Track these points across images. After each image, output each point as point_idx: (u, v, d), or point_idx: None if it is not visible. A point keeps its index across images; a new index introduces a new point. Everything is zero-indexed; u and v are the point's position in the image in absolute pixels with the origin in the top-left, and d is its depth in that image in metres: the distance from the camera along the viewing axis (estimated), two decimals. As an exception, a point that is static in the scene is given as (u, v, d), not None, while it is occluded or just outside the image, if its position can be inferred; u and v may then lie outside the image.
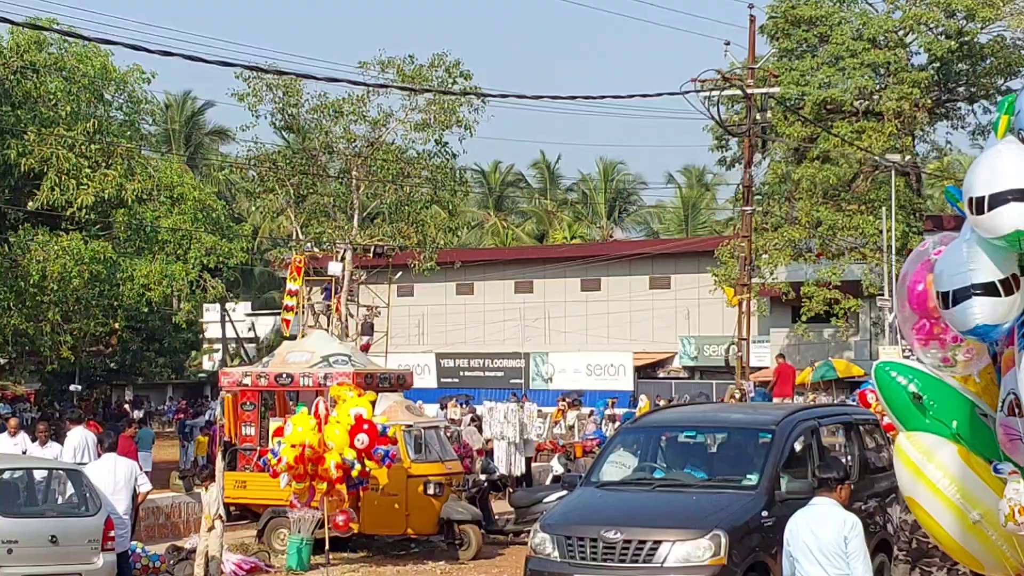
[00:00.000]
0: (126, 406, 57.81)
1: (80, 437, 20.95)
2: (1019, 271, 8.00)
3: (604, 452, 16.43)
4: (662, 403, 39.41)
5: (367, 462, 20.02)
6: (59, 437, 22.55)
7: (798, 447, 15.38)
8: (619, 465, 15.94)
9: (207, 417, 41.60)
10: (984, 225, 7.82)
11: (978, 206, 7.86)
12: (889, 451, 15.81)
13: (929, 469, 9.17)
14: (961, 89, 51.35)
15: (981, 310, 8.11)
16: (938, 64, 48.93)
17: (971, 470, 8.92)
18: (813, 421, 15.83)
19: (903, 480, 9.68)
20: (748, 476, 14.79)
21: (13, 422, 22.45)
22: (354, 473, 19.94)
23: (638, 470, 15.84)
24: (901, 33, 48.60)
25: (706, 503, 14.39)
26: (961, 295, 8.14)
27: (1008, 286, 8.05)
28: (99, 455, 19.09)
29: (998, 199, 7.89)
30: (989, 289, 8.09)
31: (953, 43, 47.35)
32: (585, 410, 42.00)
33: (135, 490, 17.89)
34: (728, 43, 46.89)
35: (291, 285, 35.95)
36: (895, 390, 9.67)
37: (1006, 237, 7.94)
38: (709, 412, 16.60)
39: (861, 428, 16.91)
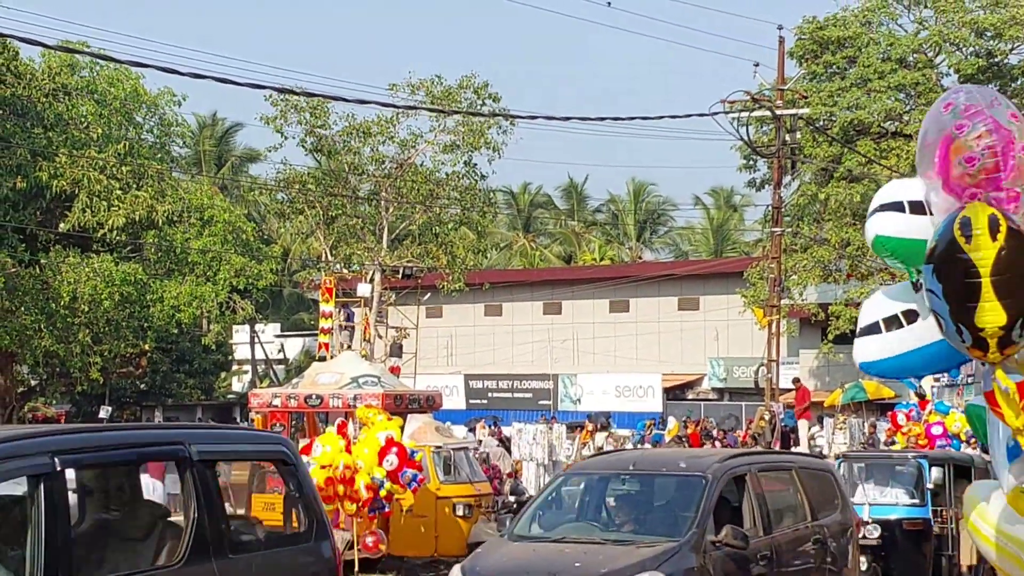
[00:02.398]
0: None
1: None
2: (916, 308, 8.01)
3: (533, 501, 15.77)
4: (690, 426, 39.38)
5: (393, 486, 19.98)
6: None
7: (730, 496, 14.46)
8: (545, 514, 15.28)
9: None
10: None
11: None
12: (839, 497, 16.07)
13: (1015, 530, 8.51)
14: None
15: (862, 350, 8.33)
16: (967, 83, 48.76)
17: None
18: (745, 467, 14.69)
19: (987, 554, 9.19)
20: (676, 527, 13.88)
21: None
22: (382, 493, 19.91)
23: (562, 520, 15.08)
24: (930, 53, 48.49)
25: (629, 556, 13.39)
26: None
27: (890, 323, 8.06)
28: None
29: (871, 213, 8.42)
30: (872, 328, 8.23)
31: (982, 62, 47.20)
32: (625, 431, 41.93)
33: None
34: (757, 65, 47.04)
35: (324, 307, 36.04)
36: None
37: (872, 244, 8.41)
38: (643, 458, 15.44)
39: (804, 474, 15.83)
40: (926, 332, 7.87)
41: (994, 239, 6.93)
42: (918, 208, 7.95)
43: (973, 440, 25.82)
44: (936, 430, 28.48)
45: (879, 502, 21.34)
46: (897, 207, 8.11)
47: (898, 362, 7.88)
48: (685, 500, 14.16)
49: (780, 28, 40.17)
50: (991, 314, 6.92)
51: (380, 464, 19.75)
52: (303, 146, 41.92)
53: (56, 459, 8.35)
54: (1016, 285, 6.85)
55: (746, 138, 39.78)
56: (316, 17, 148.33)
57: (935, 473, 21.11)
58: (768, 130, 44.82)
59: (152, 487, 18.28)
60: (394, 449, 19.90)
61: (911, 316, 7.96)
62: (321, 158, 44.91)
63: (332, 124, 40.83)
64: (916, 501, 21.06)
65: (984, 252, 6.91)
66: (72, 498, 9.14)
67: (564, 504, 15.74)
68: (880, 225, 8.25)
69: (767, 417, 36.00)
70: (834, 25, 48.69)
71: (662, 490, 15.01)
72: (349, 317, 39.74)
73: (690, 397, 58.32)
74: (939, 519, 21.16)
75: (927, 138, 8.03)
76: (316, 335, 45.88)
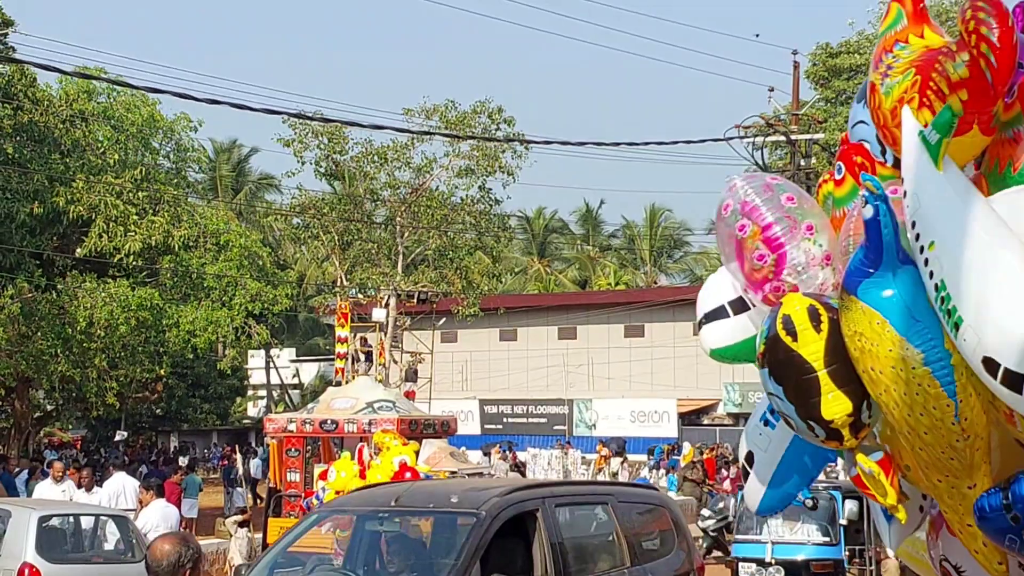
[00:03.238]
0: (160, 451, 58.06)
1: (119, 483, 21.08)
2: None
3: (278, 543, 13.88)
4: (706, 452, 39.32)
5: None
6: (103, 483, 22.67)
7: (515, 537, 12.36)
8: (286, 562, 13.49)
9: (250, 466, 41.72)
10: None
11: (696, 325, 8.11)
12: (675, 535, 13.90)
13: None
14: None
15: (710, 336, 8.22)
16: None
17: None
18: (536, 502, 12.31)
19: None
20: (437, 574, 11.96)
21: (58, 466, 22.50)
22: (397, 519, 19.90)
23: (307, 569, 13.33)
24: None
25: None
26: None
27: (736, 306, 8.06)
28: (139, 501, 19.22)
29: (699, 325, 8.27)
30: (719, 313, 8.16)
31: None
32: (641, 456, 41.90)
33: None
34: (772, 89, 46.93)
35: (340, 332, 36.11)
36: None
37: (711, 356, 8.22)
38: (410, 492, 12.99)
39: (625, 510, 13.63)
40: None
41: (818, 331, 6.88)
42: (740, 306, 7.94)
43: None
44: None
45: (785, 540, 19.86)
46: (720, 313, 8.08)
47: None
48: (447, 543, 12.16)
49: (795, 53, 40.19)
50: (836, 404, 6.85)
51: (395, 490, 19.75)
52: (318, 171, 42.06)
53: None
54: (851, 370, 6.78)
55: (761, 163, 39.79)
56: (331, 43, 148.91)
57: (850, 506, 19.01)
58: (783, 155, 44.84)
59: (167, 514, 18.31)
60: (407, 475, 19.89)
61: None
62: (336, 183, 45.04)
63: (348, 149, 40.98)
64: (828, 539, 19.51)
65: (812, 346, 6.86)
66: None
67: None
68: (711, 339, 8.21)
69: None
70: (847, 52, 48.75)
71: (425, 531, 13.19)
72: (365, 343, 39.80)
73: (705, 422, 58.26)
74: (857, 560, 19.44)
75: (720, 239, 8.08)
76: (331, 360, 45.97)
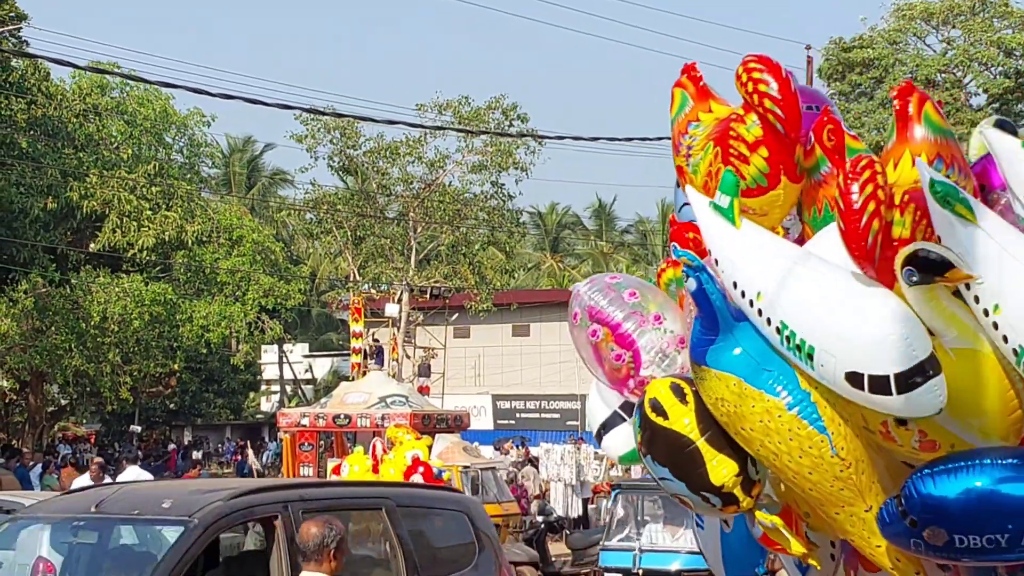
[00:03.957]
0: (173, 447, 58.24)
1: (132, 477, 21.10)
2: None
3: None
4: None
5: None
6: (116, 477, 22.69)
7: (245, 549, 11.07)
8: None
9: (264, 460, 41.81)
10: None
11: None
12: (476, 546, 12.00)
13: None
14: (1022, 129, 50.86)
15: (612, 446, 8.38)
16: (997, 104, 48.62)
17: None
18: (275, 507, 10.49)
19: None
20: None
21: (96, 462, 22.50)
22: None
23: None
24: (958, 73, 48.38)
25: None
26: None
27: (627, 409, 8.09)
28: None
29: (598, 436, 8.24)
30: (613, 420, 8.27)
31: (1010, 82, 47.07)
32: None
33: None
34: (786, 84, 46.82)
35: (355, 327, 36.13)
36: None
37: (621, 463, 8.35)
38: (118, 496, 10.81)
39: (407, 515, 11.79)
40: None
41: (685, 404, 6.97)
42: (631, 409, 7.84)
43: None
44: None
45: (657, 548, 17.77)
46: (615, 421, 8.09)
47: None
48: (141, 559, 10.42)
49: (808, 48, 40.12)
50: (722, 468, 6.92)
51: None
52: (331, 166, 42.06)
53: None
54: (723, 433, 6.86)
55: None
56: (345, 38, 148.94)
57: None
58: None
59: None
60: (420, 469, 19.91)
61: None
62: (349, 179, 45.04)
63: (361, 145, 40.98)
64: None
65: (683, 419, 6.94)
66: None
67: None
68: (614, 448, 8.24)
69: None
70: (860, 47, 48.61)
71: (126, 544, 11.06)
72: (375, 341, 39.84)
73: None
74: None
75: (577, 347, 8.34)
76: (344, 355, 45.97)
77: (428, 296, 41.67)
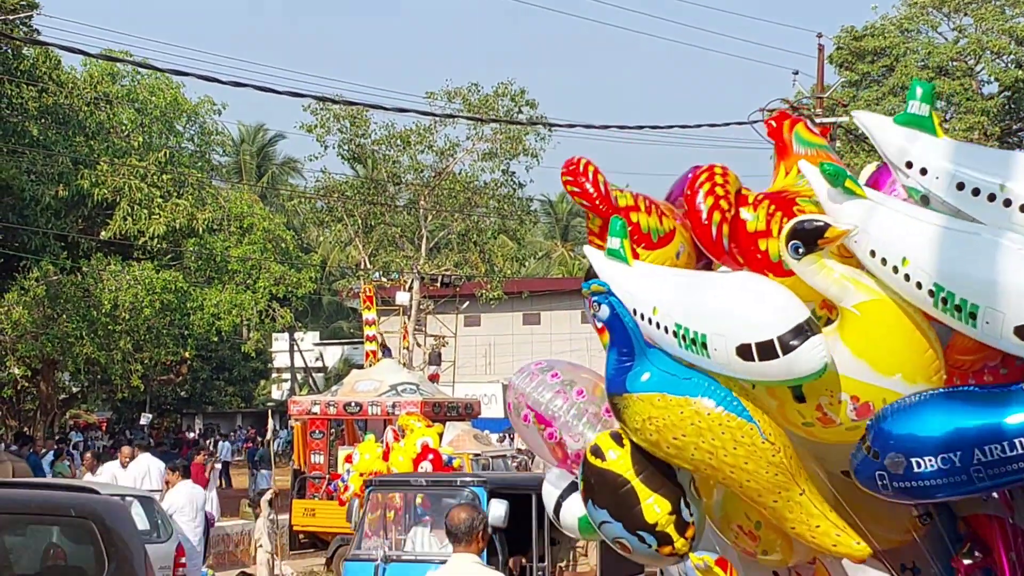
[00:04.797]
0: (191, 434, 58.30)
1: (144, 464, 21.15)
2: None
3: None
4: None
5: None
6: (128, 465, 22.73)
7: None
8: None
9: (276, 447, 41.81)
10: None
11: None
12: (105, 559, 9.96)
13: None
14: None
15: (568, 516, 8.54)
16: (1008, 93, 48.54)
17: None
18: None
19: None
20: None
21: (126, 451, 22.49)
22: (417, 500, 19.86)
23: None
24: (970, 61, 48.27)
25: None
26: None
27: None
28: (165, 482, 19.33)
29: (559, 509, 8.29)
30: (570, 489, 8.54)
31: (1022, 73, 46.96)
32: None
33: (207, 517, 18.14)
34: (797, 72, 46.87)
35: (367, 315, 36.12)
36: None
37: (581, 531, 8.18)
38: None
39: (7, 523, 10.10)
40: None
41: (622, 446, 7.34)
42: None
43: None
44: None
45: (406, 557, 15.12)
46: (573, 488, 8.31)
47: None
48: None
49: (820, 36, 40.01)
50: (656, 506, 7.24)
51: (415, 471, 19.77)
52: (341, 155, 42.10)
53: None
54: (661, 474, 7.22)
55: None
56: (355, 26, 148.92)
57: (496, 509, 14.09)
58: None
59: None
60: (429, 456, 19.93)
61: None
62: (359, 167, 45.05)
63: (371, 133, 40.99)
64: None
65: (620, 460, 7.29)
66: None
67: None
68: (570, 517, 8.48)
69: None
70: (872, 35, 48.53)
71: None
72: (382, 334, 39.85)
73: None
74: None
75: (523, 438, 9.36)
76: (357, 343, 45.94)
77: (439, 284, 41.72)
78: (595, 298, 7.30)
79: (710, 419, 6.86)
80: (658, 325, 7.00)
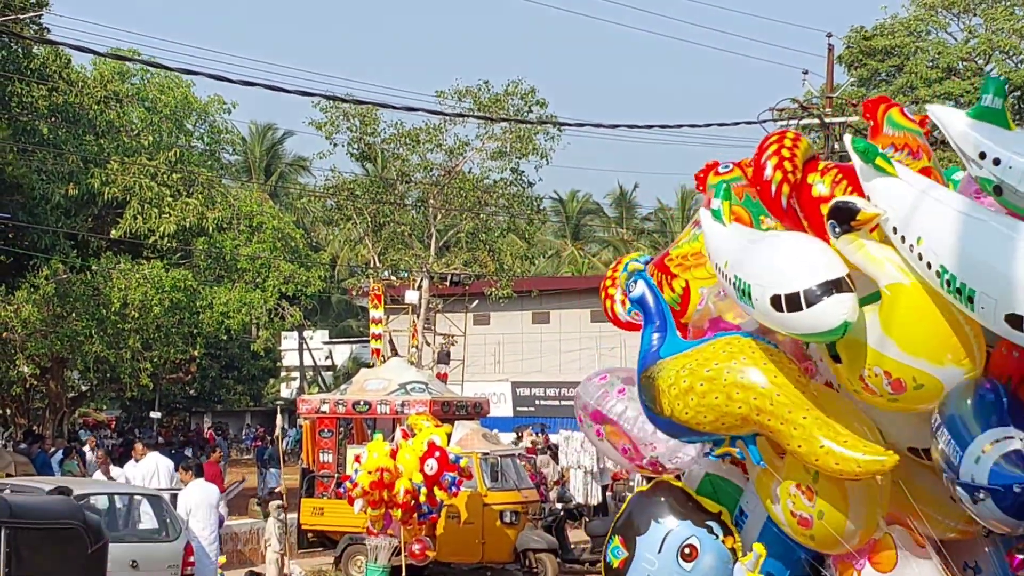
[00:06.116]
0: (210, 432, 58.31)
1: (152, 463, 21.18)
2: None
3: None
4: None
5: (436, 491, 19.91)
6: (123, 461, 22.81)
7: None
8: None
9: (285, 445, 41.81)
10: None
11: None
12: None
13: None
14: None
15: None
16: (1019, 93, 48.40)
17: None
18: None
19: None
20: None
21: (139, 447, 22.52)
22: (421, 499, 19.86)
23: None
24: (980, 61, 48.14)
25: None
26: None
27: None
28: (171, 480, 19.37)
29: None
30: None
31: (1032, 72, 46.81)
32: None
33: (220, 516, 18.17)
34: (807, 72, 46.70)
35: (375, 313, 36.10)
36: None
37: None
38: None
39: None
40: None
41: None
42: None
43: None
44: None
45: None
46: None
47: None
48: None
49: (829, 36, 39.98)
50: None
51: (421, 469, 19.77)
52: (351, 153, 42.08)
53: None
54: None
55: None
56: (365, 24, 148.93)
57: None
58: (816, 137, 44.63)
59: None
60: (436, 454, 19.93)
61: None
62: (369, 165, 45.03)
63: (381, 132, 40.98)
64: None
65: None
66: None
67: None
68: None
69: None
70: (881, 34, 48.42)
71: None
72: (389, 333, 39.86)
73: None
74: None
75: (592, 443, 10.42)
76: (366, 342, 45.93)
77: (448, 283, 41.67)
78: (632, 277, 7.87)
79: (740, 343, 7.60)
80: (725, 276, 7.59)
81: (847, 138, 7.31)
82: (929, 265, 6.55)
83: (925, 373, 6.73)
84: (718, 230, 7.90)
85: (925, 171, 7.43)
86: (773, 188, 7.58)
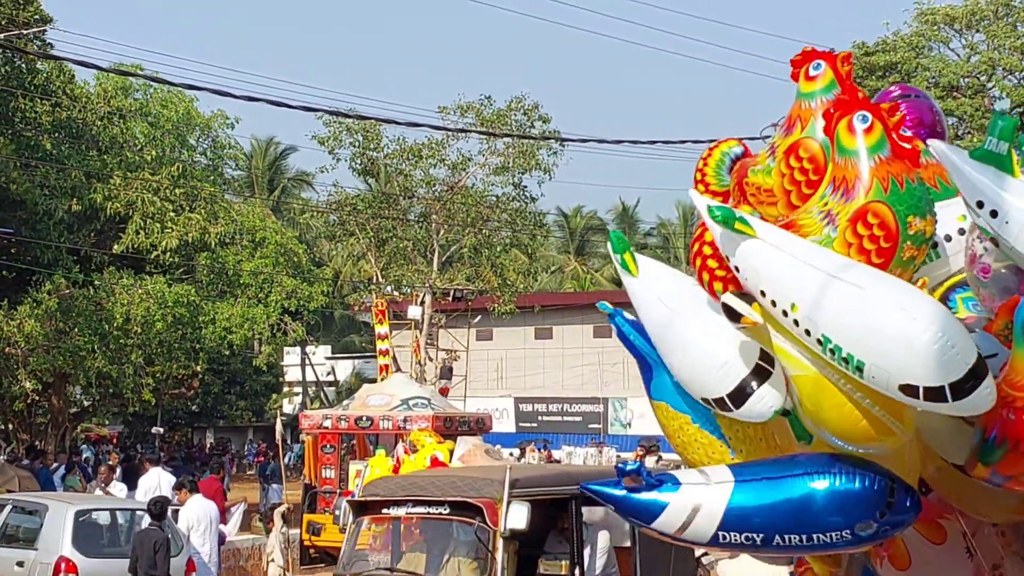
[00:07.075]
0: (210, 443, 58.23)
1: (154, 478, 21.15)
2: None
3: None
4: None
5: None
6: (130, 477, 22.75)
7: None
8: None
9: (288, 460, 41.79)
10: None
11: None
12: None
13: None
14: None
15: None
16: (1021, 110, 48.40)
17: None
18: None
19: None
20: None
21: (147, 466, 22.52)
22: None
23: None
24: (982, 79, 48.14)
25: None
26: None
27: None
28: (173, 496, 19.38)
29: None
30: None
31: (1034, 90, 46.81)
32: (674, 455, 41.71)
33: (222, 534, 18.16)
34: (809, 86, 46.58)
35: (380, 329, 36.09)
36: None
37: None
38: None
39: None
40: None
41: None
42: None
43: None
44: None
45: None
46: None
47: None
48: None
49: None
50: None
51: (422, 485, 19.68)
52: (353, 168, 42.13)
53: None
54: None
55: (797, 161, 39.53)
56: (367, 40, 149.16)
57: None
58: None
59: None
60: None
61: None
62: (372, 180, 45.05)
63: (384, 147, 41.01)
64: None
65: None
66: None
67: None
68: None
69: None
70: (883, 50, 48.45)
71: None
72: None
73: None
74: None
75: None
76: (368, 357, 45.89)
77: (451, 298, 41.68)
78: (610, 316, 7.59)
79: (688, 434, 7.50)
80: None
81: (697, 200, 6.80)
82: (808, 333, 6.14)
83: (867, 452, 6.43)
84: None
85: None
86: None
